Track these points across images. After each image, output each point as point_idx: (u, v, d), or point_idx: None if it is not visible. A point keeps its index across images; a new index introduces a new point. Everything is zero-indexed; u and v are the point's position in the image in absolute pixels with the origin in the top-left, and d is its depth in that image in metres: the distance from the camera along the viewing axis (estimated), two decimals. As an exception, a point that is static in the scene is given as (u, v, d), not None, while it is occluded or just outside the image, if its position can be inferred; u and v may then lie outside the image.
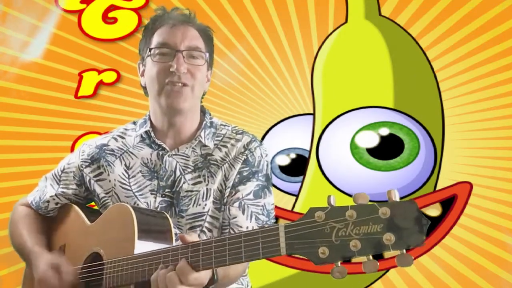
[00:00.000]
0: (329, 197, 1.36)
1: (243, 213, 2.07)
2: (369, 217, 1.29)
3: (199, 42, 2.15)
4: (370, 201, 1.32)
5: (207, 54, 2.17)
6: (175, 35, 2.11)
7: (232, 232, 2.06)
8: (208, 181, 2.11)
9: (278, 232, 1.45)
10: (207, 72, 2.21)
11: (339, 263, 1.34)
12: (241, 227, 2.06)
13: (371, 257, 1.31)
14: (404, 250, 1.27)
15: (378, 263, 1.31)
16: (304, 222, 1.39)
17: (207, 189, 2.10)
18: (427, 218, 1.26)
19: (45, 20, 3.66)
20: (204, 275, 1.66)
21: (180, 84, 2.07)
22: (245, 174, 2.12)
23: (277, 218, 3.33)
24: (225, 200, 2.10)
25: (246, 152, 2.14)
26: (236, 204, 2.08)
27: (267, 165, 2.19)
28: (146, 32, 2.21)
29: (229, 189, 2.10)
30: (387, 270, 3.39)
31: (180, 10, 2.21)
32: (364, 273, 3.41)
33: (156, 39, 2.14)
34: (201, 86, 2.16)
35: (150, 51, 2.14)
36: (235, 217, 2.07)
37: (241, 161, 2.12)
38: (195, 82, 2.10)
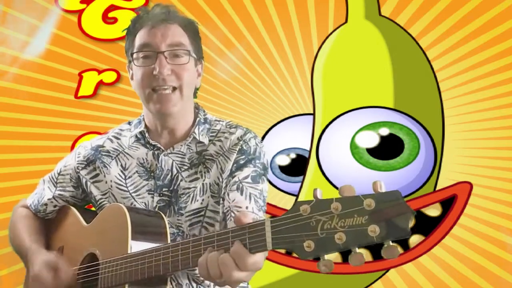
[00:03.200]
0: (315, 190, 1.36)
1: (241, 194, 2.02)
2: (354, 209, 1.29)
3: (182, 38, 2.11)
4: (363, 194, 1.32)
5: (192, 50, 2.13)
6: (155, 36, 2.07)
7: (233, 216, 2.00)
8: (204, 176, 2.10)
9: (264, 227, 1.45)
10: (197, 67, 2.18)
11: (325, 256, 1.34)
12: (240, 207, 1.99)
13: (357, 250, 1.31)
14: (390, 242, 1.27)
15: (364, 256, 1.30)
16: (290, 216, 1.39)
17: (203, 184, 2.09)
18: (412, 209, 1.25)
19: (45, 20, 3.66)
20: (261, 259, 1.59)
21: (166, 87, 2.04)
22: (242, 162, 2.09)
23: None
24: (222, 192, 2.09)
25: (240, 142, 2.11)
26: (234, 187, 2.03)
27: (264, 154, 2.16)
28: (128, 35, 2.17)
29: (225, 179, 2.09)
30: (387, 270, 3.38)
31: (161, 7, 2.14)
32: (363, 273, 3.41)
33: (137, 43, 2.10)
34: (190, 85, 2.12)
35: (132, 56, 2.11)
36: (234, 199, 2.01)
37: (236, 152, 2.10)
38: (182, 82, 2.07)
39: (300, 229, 1.36)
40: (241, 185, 2.04)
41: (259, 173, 2.09)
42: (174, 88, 2.06)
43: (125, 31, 2.20)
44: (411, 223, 1.25)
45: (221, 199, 2.09)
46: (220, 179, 2.09)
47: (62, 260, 2.10)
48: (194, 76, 2.15)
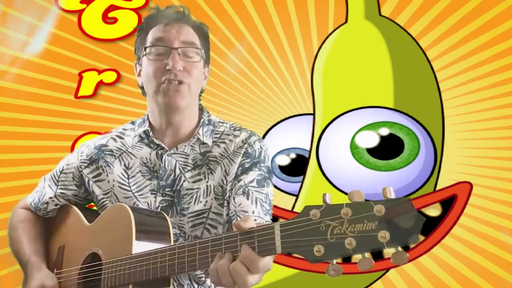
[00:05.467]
0: (324, 195, 1.36)
1: (248, 198, 2.03)
2: (364, 215, 1.29)
3: (194, 39, 2.14)
4: (368, 200, 1.32)
5: (203, 51, 2.16)
6: (170, 33, 2.10)
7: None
8: (208, 178, 2.10)
9: (274, 231, 1.45)
10: (204, 70, 2.19)
11: (334, 261, 1.34)
12: (246, 212, 2.01)
13: (366, 255, 1.31)
14: (399, 248, 1.27)
15: (373, 262, 1.30)
16: (299, 220, 1.39)
17: (207, 186, 2.09)
18: (423, 216, 1.26)
19: (45, 20, 3.66)
20: (270, 260, 1.61)
21: (176, 82, 2.06)
22: (247, 166, 2.10)
23: (277, 218, 3.33)
24: (227, 195, 2.09)
25: (245, 145, 2.12)
26: (240, 191, 2.05)
27: (268, 158, 2.17)
28: (140, 32, 2.20)
29: (230, 183, 2.09)
30: (387, 270, 3.38)
31: (174, 8, 2.18)
32: (363, 273, 3.41)
33: (150, 38, 2.13)
34: (198, 84, 2.14)
35: (145, 50, 2.12)
36: (240, 204, 2.03)
37: (241, 155, 2.11)
38: (191, 79, 2.08)
39: (310, 234, 1.36)
40: (247, 189, 2.05)
41: (264, 177, 2.10)
42: (184, 83, 2.07)
43: (137, 28, 2.22)
44: (420, 229, 1.25)
45: (225, 201, 2.09)
46: (225, 182, 2.09)
47: (56, 283, 2.14)
48: (202, 76, 2.18)
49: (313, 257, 1.35)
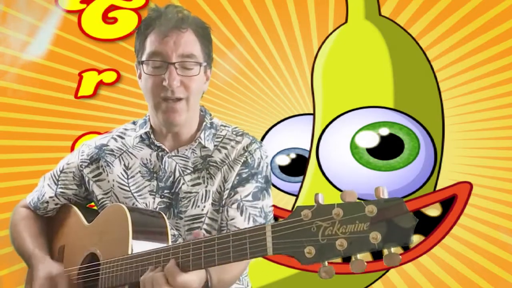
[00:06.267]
0: (316, 195, 1.35)
1: (241, 214, 2.04)
2: (356, 216, 1.28)
3: (194, 48, 2.07)
4: (360, 200, 1.31)
5: (202, 58, 2.09)
6: (167, 45, 2.02)
7: None
8: (207, 182, 2.10)
9: (265, 232, 1.44)
10: (207, 72, 2.15)
11: (326, 262, 1.33)
12: (239, 228, 1.97)
13: (358, 257, 1.30)
14: (392, 249, 1.26)
15: (366, 263, 1.30)
16: (291, 221, 1.38)
17: (206, 190, 2.09)
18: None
19: (45, 20, 3.65)
20: (193, 280, 1.66)
21: (174, 100, 2.03)
22: (244, 176, 2.10)
23: (276, 218, 3.32)
24: (223, 202, 2.08)
25: (246, 154, 2.11)
26: (235, 206, 2.06)
27: (267, 166, 2.16)
28: (139, 35, 2.13)
29: (227, 190, 2.08)
30: (387, 270, 3.38)
31: (174, 9, 2.08)
32: (363, 273, 3.41)
33: (148, 49, 2.06)
34: (197, 95, 2.10)
35: (142, 64, 2.08)
36: (233, 219, 2.04)
37: (241, 163, 2.10)
38: (189, 93, 2.05)
39: (301, 235, 1.35)
40: (241, 204, 2.06)
41: (260, 188, 2.10)
42: (181, 100, 2.05)
43: (136, 30, 2.17)
44: (413, 230, 1.24)
45: (221, 208, 2.09)
46: (223, 188, 2.09)
47: (62, 272, 2.13)
48: (202, 84, 2.12)
49: (305, 259, 1.34)
